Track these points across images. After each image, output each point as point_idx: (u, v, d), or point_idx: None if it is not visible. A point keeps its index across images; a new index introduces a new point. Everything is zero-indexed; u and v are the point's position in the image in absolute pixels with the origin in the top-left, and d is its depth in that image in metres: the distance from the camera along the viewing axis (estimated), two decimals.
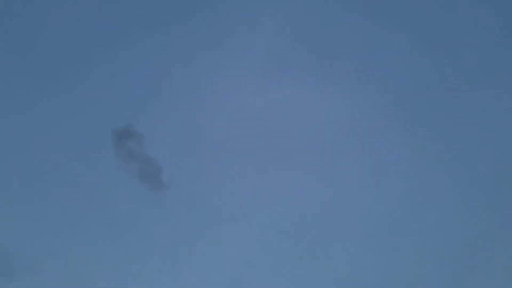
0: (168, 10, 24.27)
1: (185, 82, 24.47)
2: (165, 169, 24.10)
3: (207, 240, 21.88)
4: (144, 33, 24.29)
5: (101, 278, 21.65)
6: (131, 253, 22.20)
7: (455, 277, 19.42)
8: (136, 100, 25.31)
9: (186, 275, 21.42)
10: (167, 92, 25.03)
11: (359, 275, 20.25)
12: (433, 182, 20.75)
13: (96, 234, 22.70)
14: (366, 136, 22.41)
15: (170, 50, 24.32)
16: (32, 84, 24.26)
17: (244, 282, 21.15)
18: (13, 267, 21.76)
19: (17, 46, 24.76)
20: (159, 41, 24.56)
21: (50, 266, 21.78)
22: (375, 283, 19.85)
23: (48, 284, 21.75)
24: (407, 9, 22.30)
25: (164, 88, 25.06)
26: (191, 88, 24.29)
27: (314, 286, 20.28)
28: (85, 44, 24.86)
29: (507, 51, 21.13)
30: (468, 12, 21.61)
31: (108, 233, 22.67)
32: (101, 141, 24.36)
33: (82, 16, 24.95)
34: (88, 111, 24.84)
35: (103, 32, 24.87)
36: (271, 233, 21.72)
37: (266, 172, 22.44)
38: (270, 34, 23.72)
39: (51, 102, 24.48)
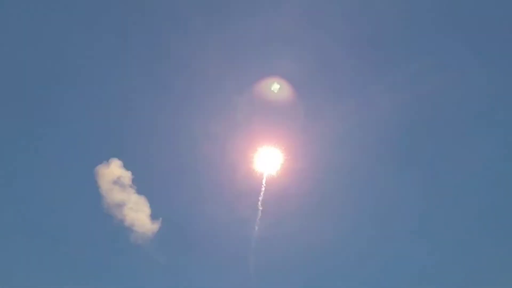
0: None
1: None
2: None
3: None
4: None
5: None
6: None
7: None
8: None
9: None
10: None
11: None
12: (429, 221, 21.11)
13: None
14: (361, 174, 22.74)
15: None
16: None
17: None
18: None
19: None
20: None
21: None
22: None
23: None
24: (400, 52, 22.89)
25: None
26: None
27: None
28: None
29: (496, 97, 21.69)
30: (456, 55, 22.25)
31: None
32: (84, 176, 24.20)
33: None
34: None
35: None
36: None
37: None
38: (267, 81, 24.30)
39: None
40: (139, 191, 23.49)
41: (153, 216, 23.53)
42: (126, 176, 23.43)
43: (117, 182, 23.20)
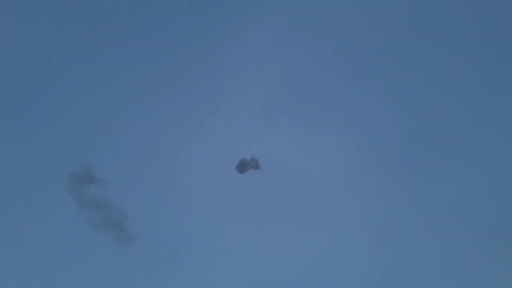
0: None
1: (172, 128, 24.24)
2: (131, 218, 22.52)
3: None
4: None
5: None
6: None
7: None
8: (98, 140, 23.65)
9: None
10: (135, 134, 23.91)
11: None
12: (424, 223, 21.36)
13: None
14: (353, 184, 22.87)
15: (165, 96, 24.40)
16: None
17: None
18: None
19: None
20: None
21: None
22: None
23: None
24: (394, 59, 23.49)
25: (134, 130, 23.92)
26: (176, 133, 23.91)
27: None
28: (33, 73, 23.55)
29: (487, 109, 22.53)
30: (447, 67, 23.06)
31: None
32: (55, 186, 22.50)
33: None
34: (40, 151, 23.08)
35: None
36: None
37: (251, 221, 22.28)
38: (261, 87, 24.38)
39: None
40: None
41: None
42: None
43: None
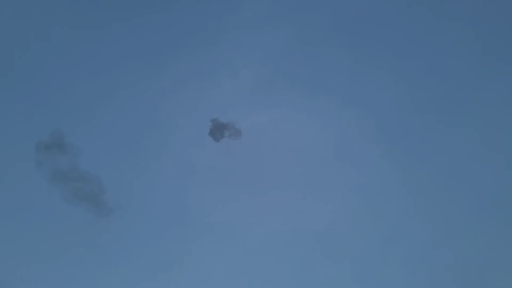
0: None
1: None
2: (109, 189, 20.53)
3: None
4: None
5: None
6: None
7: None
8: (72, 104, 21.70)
9: None
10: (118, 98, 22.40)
11: None
12: (423, 198, 21.13)
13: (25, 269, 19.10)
14: (352, 154, 22.61)
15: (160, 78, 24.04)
16: None
17: None
18: None
19: None
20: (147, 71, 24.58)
21: None
22: None
23: None
24: (391, 33, 23.19)
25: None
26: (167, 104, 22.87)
27: None
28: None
29: (485, 79, 22.16)
30: (448, 34, 22.59)
31: (39, 266, 19.19)
32: (21, 155, 20.38)
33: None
34: (4, 117, 21.02)
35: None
36: (255, 254, 21.17)
37: (243, 193, 21.60)
38: (257, 61, 24.03)
39: None
40: None
41: None
42: None
43: None
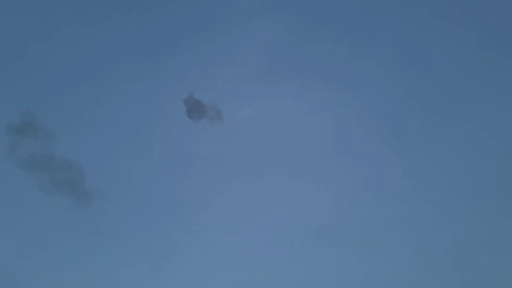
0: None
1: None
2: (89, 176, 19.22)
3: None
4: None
5: None
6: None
7: (447, 276, 19.76)
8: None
9: None
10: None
11: (354, 280, 20.10)
12: (423, 186, 21.21)
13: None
14: (353, 142, 22.64)
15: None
16: None
17: None
18: None
19: None
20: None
21: None
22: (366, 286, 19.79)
23: None
24: (392, 22, 23.38)
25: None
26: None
27: None
28: None
29: (486, 64, 22.41)
30: (447, 26, 22.87)
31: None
32: None
33: None
34: None
35: None
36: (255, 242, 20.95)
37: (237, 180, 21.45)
38: (257, 49, 24.07)
39: None
40: None
41: None
42: None
43: None
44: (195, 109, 21.15)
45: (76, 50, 21.69)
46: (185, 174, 21.34)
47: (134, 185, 20.43)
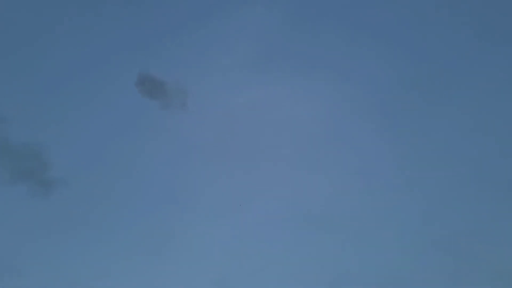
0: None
1: None
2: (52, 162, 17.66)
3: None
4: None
5: None
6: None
7: (441, 268, 19.95)
8: None
9: None
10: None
11: (347, 269, 20.22)
12: (416, 175, 21.32)
13: None
14: (347, 131, 22.65)
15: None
16: None
17: None
18: None
19: None
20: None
21: None
22: (364, 277, 19.90)
23: None
24: (385, 14, 23.21)
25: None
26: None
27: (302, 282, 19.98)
28: None
29: (481, 53, 22.39)
30: (443, 15, 22.76)
31: None
32: None
33: None
34: None
35: None
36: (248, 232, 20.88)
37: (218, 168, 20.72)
38: (252, 36, 23.88)
39: None
40: None
41: None
42: None
43: None
44: (153, 90, 20.33)
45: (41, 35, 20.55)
46: (167, 162, 20.80)
47: (103, 173, 19.30)
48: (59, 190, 17.64)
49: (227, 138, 21.99)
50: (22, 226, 17.43)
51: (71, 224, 17.70)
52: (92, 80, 21.09)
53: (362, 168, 21.64)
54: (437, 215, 20.53)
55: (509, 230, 19.97)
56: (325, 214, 20.71)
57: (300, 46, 23.56)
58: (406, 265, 19.76)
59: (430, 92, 22.43)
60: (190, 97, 22.43)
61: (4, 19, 19.81)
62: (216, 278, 18.40)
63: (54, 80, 20.07)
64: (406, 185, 20.91)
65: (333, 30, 23.38)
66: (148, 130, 21.23)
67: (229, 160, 21.70)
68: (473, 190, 20.77)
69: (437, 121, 22.02)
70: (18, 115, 18.41)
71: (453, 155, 21.52)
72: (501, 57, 22.34)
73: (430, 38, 23.04)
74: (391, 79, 22.76)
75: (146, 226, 19.33)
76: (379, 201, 20.72)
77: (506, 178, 21.00)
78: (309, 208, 20.84)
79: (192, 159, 21.29)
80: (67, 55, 20.66)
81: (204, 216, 20.24)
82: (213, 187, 20.92)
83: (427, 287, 19.59)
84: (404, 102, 22.47)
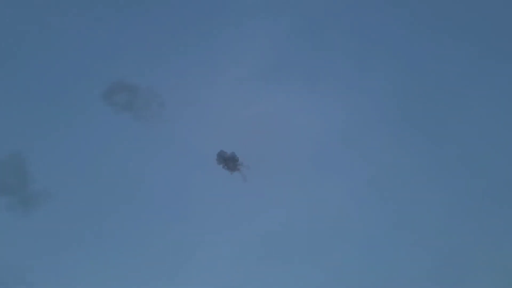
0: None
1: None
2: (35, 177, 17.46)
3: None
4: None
5: None
6: None
7: (451, 274, 19.77)
8: None
9: None
10: None
11: (356, 276, 20.03)
12: (427, 182, 21.20)
13: None
14: (357, 141, 22.62)
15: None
16: None
17: None
18: None
19: None
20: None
21: None
22: (372, 284, 19.73)
23: None
24: (393, 26, 23.33)
25: None
26: None
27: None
28: None
29: (484, 63, 22.41)
30: (449, 28, 22.88)
31: None
32: None
33: None
34: None
35: None
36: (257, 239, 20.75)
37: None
38: (261, 48, 24.04)
39: None
40: None
41: None
42: None
43: None
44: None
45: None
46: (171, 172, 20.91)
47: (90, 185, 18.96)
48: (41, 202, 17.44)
49: (237, 149, 21.94)
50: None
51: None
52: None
53: (372, 177, 21.56)
54: (448, 223, 20.36)
55: None
56: (337, 223, 20.62)
57: (308, 57, 23.67)
58: (422, 272, 19.60)
59: (438, 102, 22.46)
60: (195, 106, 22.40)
61: None
62: None
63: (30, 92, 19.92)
64: (419, 195, 20.85)
65: (342, 41, 23.51)
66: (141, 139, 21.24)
67: (239, 171, 21.61)
68: (484, 200, 20.68)
69: (449, 133, 21.97)
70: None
71: (461, 163, 21.48)
72: (504, 68, 22.47)
73: (437, 50, 23.09)
74: (401, 91, 22.78)
75: (136, 238, 19.34)
76: (391, 210, 20.63)
77: None
78: (320, 217, 20.76)
79: (189, 164, 21.27)
80: (48, 63, 20.71)
81: (205, 228, 20.26)
82: (221, 197, 20.89)
83: None
84: (413, 111, 22.50)
